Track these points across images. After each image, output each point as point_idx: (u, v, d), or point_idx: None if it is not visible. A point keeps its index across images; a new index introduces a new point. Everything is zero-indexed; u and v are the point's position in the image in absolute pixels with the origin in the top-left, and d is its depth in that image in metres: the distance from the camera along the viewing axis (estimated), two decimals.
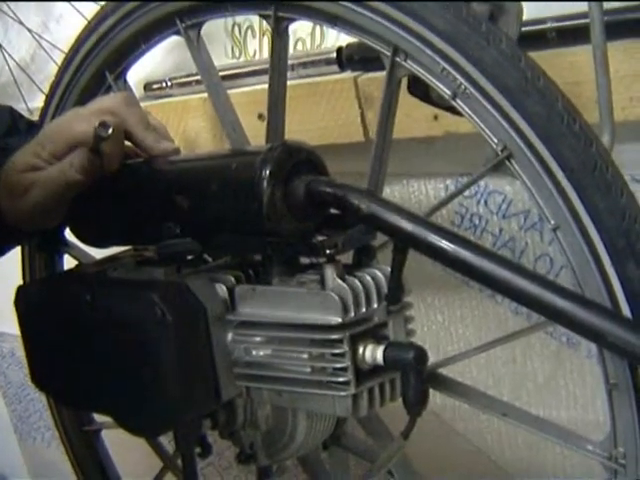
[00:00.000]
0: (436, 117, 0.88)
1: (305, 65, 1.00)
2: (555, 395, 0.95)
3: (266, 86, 0.73)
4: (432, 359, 0.65)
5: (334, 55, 0.97)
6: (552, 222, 0.57)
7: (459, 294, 0.99)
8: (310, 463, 0.83)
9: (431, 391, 0.65)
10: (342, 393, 0.59)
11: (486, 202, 0.95)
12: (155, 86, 1.17)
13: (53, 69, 0.91)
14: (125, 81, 0.86)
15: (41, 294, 0.72)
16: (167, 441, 0.89)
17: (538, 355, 0.96)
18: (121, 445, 1.01)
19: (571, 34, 0.81)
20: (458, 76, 0.58)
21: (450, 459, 1.02)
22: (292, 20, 0.69)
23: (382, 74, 0.64)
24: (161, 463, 0.91)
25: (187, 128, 1.05)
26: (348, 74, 0.96)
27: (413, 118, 0.87)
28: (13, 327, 0.74)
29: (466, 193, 0.96)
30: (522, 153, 0.57)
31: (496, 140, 0.58)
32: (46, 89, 0.91)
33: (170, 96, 1.16)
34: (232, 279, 0.65)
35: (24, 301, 0.72)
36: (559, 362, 0.94)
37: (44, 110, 0.91)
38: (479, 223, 0.96)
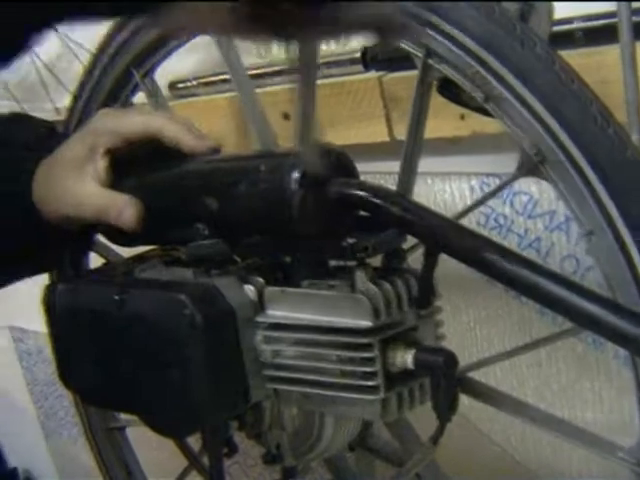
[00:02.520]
0: (463, 117, 0.87)
1: (329, 65, 1.00)
2: (580, 397, 0.95)
3: (290, 85, 0.72)
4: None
5: (359, 55, 0.97)
6: (586, 227, 0.56)
7: (484, 295, 0.99)
8: (335, 463, 0.83)
9: None
10: (371, 397, 0.59)
11: (512, 202, 0.94)
12: (180, 85, 1.17)
13: (79, 69, 0.91)
14: (153, 80, 0.86)
15: (69, 292, 0.72)
16: (192, 439, 0.90)
17: (564, 357, 0.95)
18: (145, 442, 1.01)
19: (598, 34, 0.80)
20: (492, 79, 0.58)
21: (475, 459, 1.02)
22: None
23: (407, 74, 0.64)
24: (185, 461, 0.91)
25: (213, 128, 1.04)
26: (372, 74, 0.95)
27: (440, 117, 0.86)
28: (39, 324, 0.74)
29: None
30: (555, 157, 0.56)
31: (530, 144, 0.58)
32: (72, 88, 0.91)
33: (195, 95, 1.16)
34: (261, 281, 0.65)
35: (52, 299, 0.72)
36: (585, 364, 0.93)
37: (71, 109, 0.91)
38: (504, 223, 0.96)
